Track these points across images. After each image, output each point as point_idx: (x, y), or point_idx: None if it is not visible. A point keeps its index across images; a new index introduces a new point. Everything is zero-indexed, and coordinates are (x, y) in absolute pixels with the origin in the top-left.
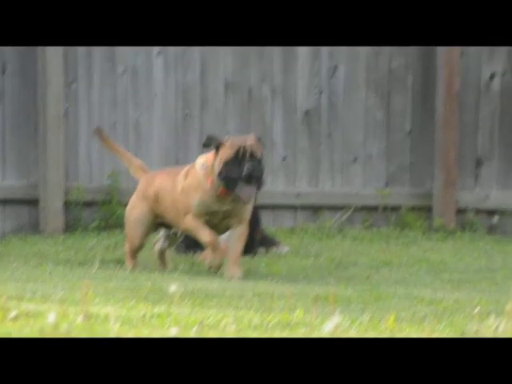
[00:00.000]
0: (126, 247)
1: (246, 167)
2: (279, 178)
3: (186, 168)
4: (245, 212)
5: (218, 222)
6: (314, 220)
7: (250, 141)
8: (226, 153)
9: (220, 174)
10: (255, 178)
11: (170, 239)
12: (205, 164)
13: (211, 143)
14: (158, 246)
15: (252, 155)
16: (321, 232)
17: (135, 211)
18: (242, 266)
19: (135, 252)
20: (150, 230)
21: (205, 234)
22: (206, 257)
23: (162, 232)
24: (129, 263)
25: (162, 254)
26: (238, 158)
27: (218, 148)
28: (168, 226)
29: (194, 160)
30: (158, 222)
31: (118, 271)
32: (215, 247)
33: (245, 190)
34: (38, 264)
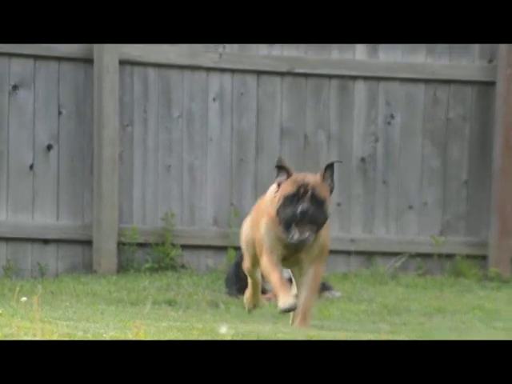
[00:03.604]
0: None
1: (301, 207)
2: (333, 223)
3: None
4: (316, 249)
5: (288, 255)
6: (368, 266)
7: (313, 180)
8: (286, 188)
9: (278, 211)
10: (309, 220)
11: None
12: (273, 192)
13: (280, 166)
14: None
15: (314, 196)
16: (374, 278)
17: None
18: (310, 319)
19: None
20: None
21: (274, 278)
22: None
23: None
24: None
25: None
26: (298, 195)
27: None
28: None
29: (248, 205)
30: None
31: (170, 312)
32: (282, 290)
33: (299, 233)
34: (91, 303)
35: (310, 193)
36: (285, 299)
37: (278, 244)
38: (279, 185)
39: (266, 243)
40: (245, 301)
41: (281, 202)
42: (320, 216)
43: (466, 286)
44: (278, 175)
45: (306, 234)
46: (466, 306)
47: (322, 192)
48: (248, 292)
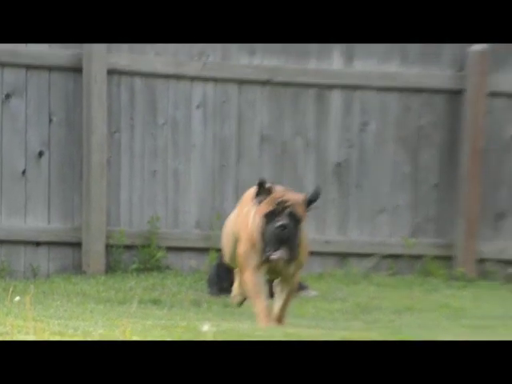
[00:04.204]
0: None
1: (280, 222)
2: (309, 225)
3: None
4: (295, 266)
5: (270, 271)
6: (342, 266)
7: (294, 198)
8: (265, 207)
9: (258, 230)
10: (287, 237)
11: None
12: (253, 211)
13: (261, 184)
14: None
15: (292, 213)
16: (348, 278)
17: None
18: (285, 321)
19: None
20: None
21: (258, 305)
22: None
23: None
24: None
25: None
26: (276, 212)
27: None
28: None
29: (229, 209)
30: None
31: (155, 310)
32: (265, 318)
33: (276, 252)
34: (80, 302)
35: (288, 210)
36: (266, 325)
37: (261, 263)
38: (259, 203)
39: (249, 264)
40: (234, 293)
41: (260, 220)
42: (297, 234)
43: (434, 285)
44: (258, 194)
45: (284, 255)
46: (434, 304)
47: (301, 211)
48: (235, 283)
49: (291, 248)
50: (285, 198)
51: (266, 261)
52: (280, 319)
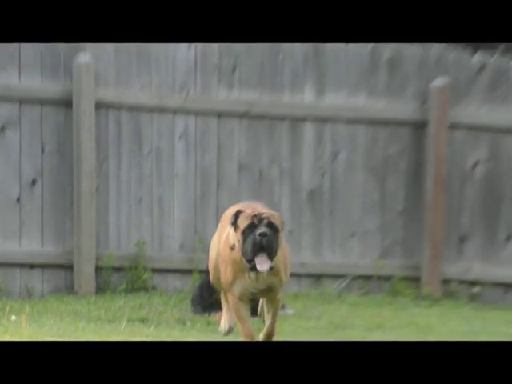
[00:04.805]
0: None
1: (260, 231)
2: None
3: (228, 231)
4: (278, 287)
5: (255, 294)
6: (316, 287)
7: (269, 213)
8: (243, 223)
9: (240, 247)
10: (267, 244)
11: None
12: (232, 238)
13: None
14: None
15: (270, 223)
16: (322, 297)
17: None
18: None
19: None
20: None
21: (244, 329)
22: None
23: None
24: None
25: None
26: (255, 224)
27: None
28: None
29: (211, 233)
30: None
31: (143, 328)
32: (248, 338)
33: (259, 259)
34: (73, 321)
35: (266, 221)
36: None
37: (246, 292)
38: (236, 228)
39: (233, 293)
40: (222, 323)
41: (241, 236)
42: (277, 242)
43: (403, 304)
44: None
45: (267, 265)
46: (403, 322)
47: (278, 222)
48: (224, 310)
49: (272, 255)
50: (260, 211)
51: (253, 270)
52: (269, 337)
